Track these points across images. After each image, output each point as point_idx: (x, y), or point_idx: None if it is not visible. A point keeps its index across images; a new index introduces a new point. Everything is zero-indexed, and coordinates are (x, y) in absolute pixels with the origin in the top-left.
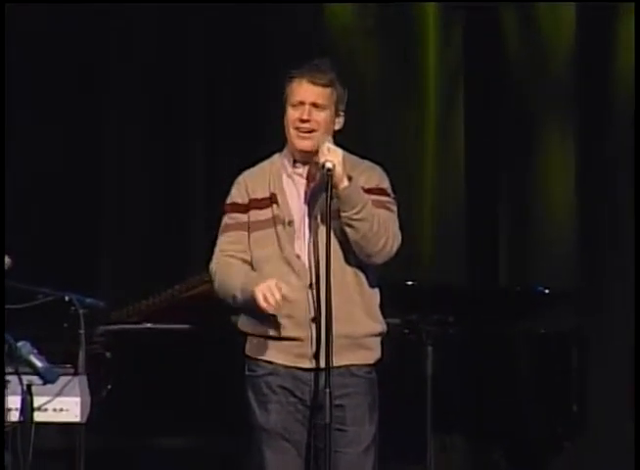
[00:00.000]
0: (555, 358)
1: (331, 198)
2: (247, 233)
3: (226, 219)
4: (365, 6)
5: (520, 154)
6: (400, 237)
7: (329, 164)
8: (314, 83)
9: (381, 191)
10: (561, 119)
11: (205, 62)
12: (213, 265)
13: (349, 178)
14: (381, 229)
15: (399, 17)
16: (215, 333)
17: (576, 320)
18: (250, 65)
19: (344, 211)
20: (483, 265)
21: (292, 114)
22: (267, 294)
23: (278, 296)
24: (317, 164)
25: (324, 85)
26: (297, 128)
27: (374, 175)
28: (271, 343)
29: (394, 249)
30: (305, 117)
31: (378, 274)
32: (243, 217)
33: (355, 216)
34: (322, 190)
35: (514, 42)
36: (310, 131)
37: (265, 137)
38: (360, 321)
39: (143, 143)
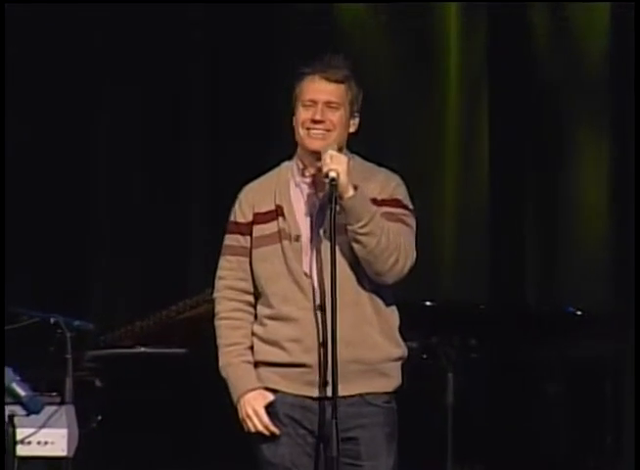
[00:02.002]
0: (587, 386)
1: (336, 210)
2: (247, 259)
3: (227, 239)
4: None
5: (549, 160)
6: (415, 255)
7: (332, 174)
8: (327, 80)
9: (396, 202)
10: (593, 123)
11: (210, 62)
12: (216, 296)
13: (355, 188)
14: (391, 245)
15: (416, 13)
16: (216, 358)
17: (611, 345)
18: (258, 64)
19: (350, 225)
20: (509, 283)
21: (303, 113)
22: (248, 422)
23: (260, 427)
24: (320, 172)
25: (338, 81)
26: (309, 129)
27: (389, 185)
28: (277, 370)
29: (407, 268)
30: (318, 117)
31: (393, 291)
32: (243, 240)
33: (361, 230)
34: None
35: (543, 41)
36: (325, 132)
37: (274, 149)
38: (377, 345)
39: (137, 153)
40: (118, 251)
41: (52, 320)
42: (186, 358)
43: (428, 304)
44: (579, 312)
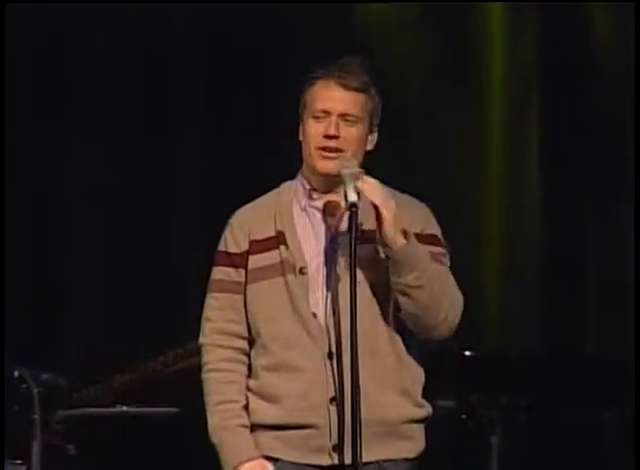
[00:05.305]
0: None
1: (356, 240)
2: (240, 296)
3: (215, 273)
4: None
5: (612, 182)
6: (462, 300)
7: (352, 197)
8: (344, 87)
9: (432, 239)
10: None
11: (218, 63)
12: (202, 342)
13: (405, 234)
14: (442, 294)
15: (453, 13)
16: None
17: None
18: (274, 66)
19: (398, 277)
20: (566, 330)
21: (314, 127)
22: None
23: None
24: (334, 196)
25: (356, 90)
26: (322, 148)
27: (420, 217)
28: (277, 434)
29: (459, 316)
30: (332, 131)
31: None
32: (236, 274)
33: (414, 283)
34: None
35: (604, 42)
36: (336, 151)
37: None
38: (397, 403)
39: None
40: (95, 295)
41: (16, 373)
42: (177, 419)
43: (467, 353)
44: None
